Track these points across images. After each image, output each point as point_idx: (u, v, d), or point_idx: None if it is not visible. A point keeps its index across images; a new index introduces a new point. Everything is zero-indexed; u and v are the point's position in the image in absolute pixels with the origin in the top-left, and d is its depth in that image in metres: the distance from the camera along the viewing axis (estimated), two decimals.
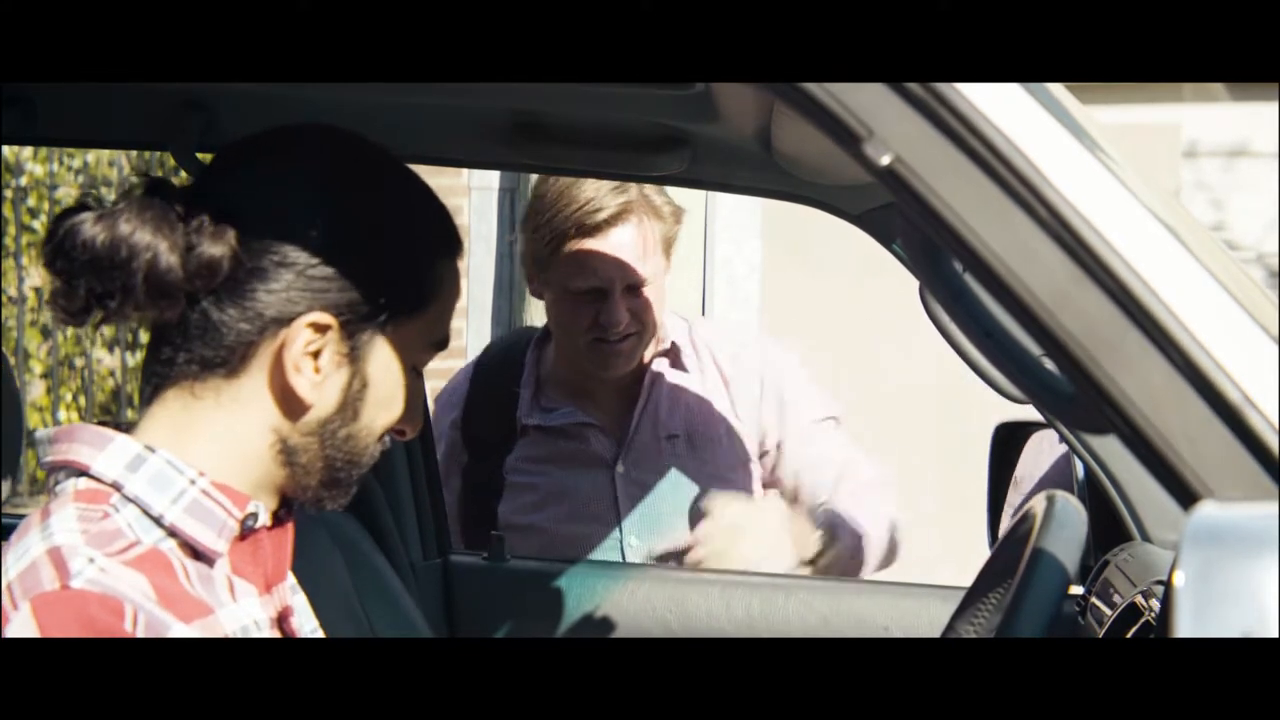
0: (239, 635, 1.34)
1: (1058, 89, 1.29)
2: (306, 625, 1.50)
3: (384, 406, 1.41)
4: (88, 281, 1.32)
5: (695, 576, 2.57)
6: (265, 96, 1.84)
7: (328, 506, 1.42)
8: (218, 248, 1.32)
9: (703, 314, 5.50)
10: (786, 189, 2.32)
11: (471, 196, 5.58)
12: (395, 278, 1.38)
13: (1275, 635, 1.07)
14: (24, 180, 7.35)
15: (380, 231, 1.38)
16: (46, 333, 7.30)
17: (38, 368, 7.35)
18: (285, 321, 1.34)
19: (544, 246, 2.54)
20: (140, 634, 1.24)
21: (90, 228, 1.31)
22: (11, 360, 6.72)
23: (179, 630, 1.26)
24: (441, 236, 1.44)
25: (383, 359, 1.39)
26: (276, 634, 1.42)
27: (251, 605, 1.38)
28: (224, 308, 1.34)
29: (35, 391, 7.25)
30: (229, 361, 1.35)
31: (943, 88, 1.16)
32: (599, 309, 2.57)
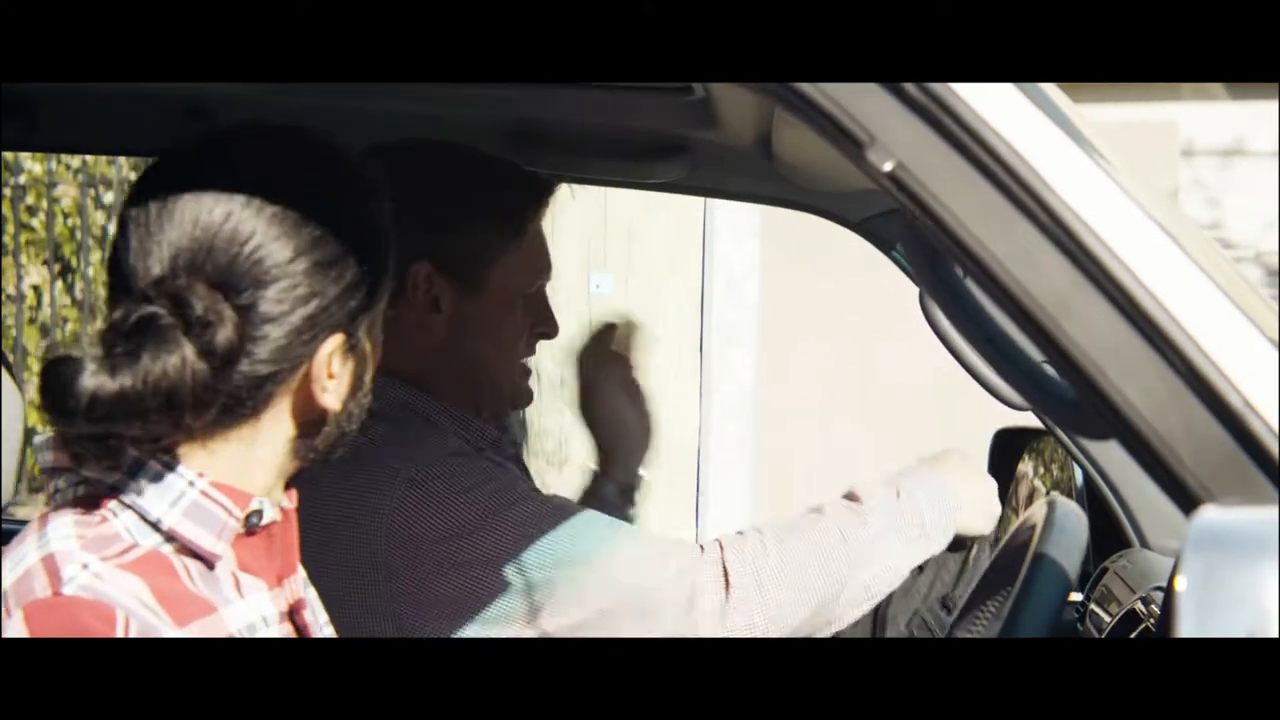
0: (245, 632, 1.34)
1: (1056, 93, 1.29)
2: (320, 616, 1.50)
3: (375, 362, 1.44)
4: (133, 431, 1.28)
5: None
6: (266, 104, 1.84)
7: (331, 457, 1.44)
8: (224, 331, 1.30)
9: (701, 313, 5.51)
10: (786, 196, 2.32)
11: None
12: (371, 270, 1.39)
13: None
14: (22, 178, 7.35)
15: (346, 240, 1.37)
16: (45, 330, 7.30)
17: (36, 366, 7.35)
18: (303, 362, 1.35)
19: (497, 234, 2.03)
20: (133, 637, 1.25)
21: (114, 382, 1.27)
22: (10, 359, 6.72)
23: (170, 634, 1.26)
24: (382, 203, 1.43)
25: (372, 333, 1.42)
26: (288, 627, 1.42)
27: (260, 600, 1.38)
28: (236, 376, 1.32)
29: (33, 390, 7.26)
30: (246, 413, 1.35)
31: (944, 94, 1.16)
32: (538, 312, 2.10)
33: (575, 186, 2.21)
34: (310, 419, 1.38)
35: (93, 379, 1.27)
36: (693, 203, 5.33)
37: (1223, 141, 6.41)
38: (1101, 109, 5.09)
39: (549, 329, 2.10)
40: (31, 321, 7.39)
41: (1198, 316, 1.15)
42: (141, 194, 1.35)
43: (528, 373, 2.12)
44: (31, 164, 7.32)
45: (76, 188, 7.34)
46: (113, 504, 1.32)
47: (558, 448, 5.18)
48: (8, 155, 6.91)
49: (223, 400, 1.32)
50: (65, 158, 7.31)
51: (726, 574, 1.91)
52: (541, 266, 2.08)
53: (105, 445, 1.29)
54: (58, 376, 1.28)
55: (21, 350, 7.12)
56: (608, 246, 5.26)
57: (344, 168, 1.42)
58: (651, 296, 5.33)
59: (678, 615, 1.90)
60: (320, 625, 1.49)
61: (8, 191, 7.22)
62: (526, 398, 2.12)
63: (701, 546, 1.94)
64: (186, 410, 1.29)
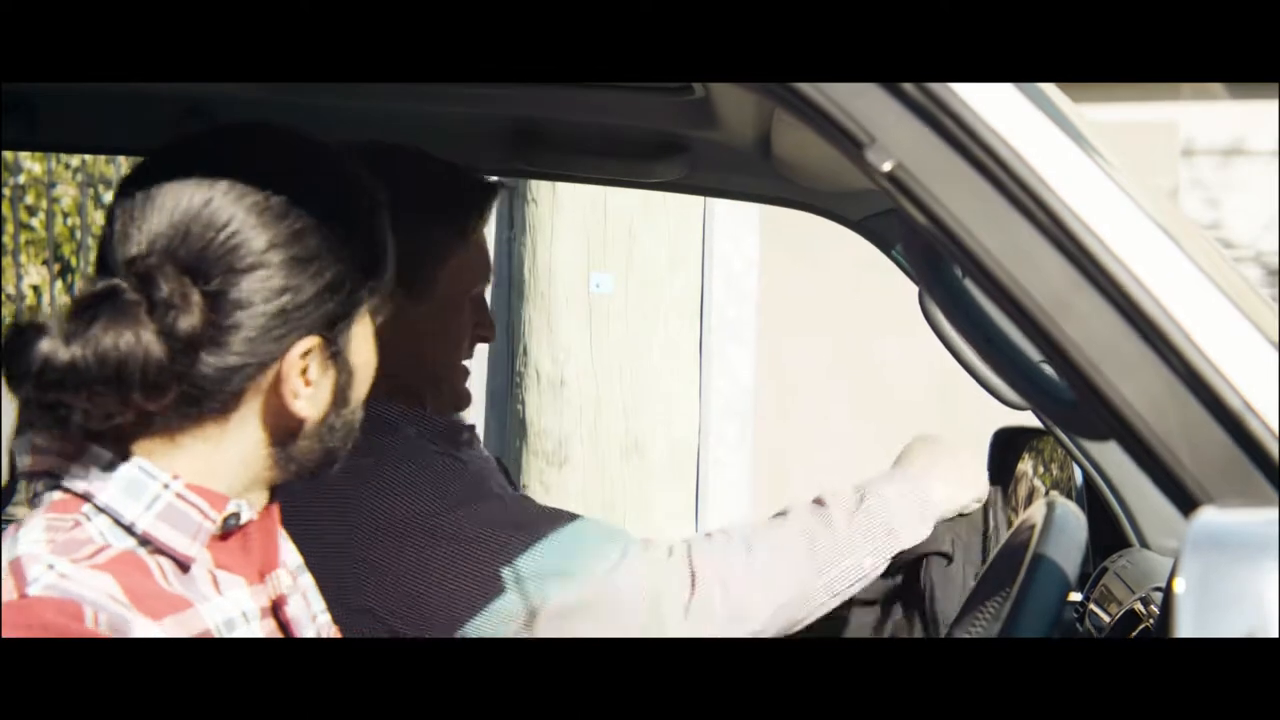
0: (223, 627, 1.33)
1: (1055, 92, 1.29)
2: (314, 606, 1.48)
3: (365, 380, 1.42)
4: (80, 402, 1.28)
5: None
6: (266, 104, 1.84)
7: (322, 473, 1.43)
8: (190, 318, 1.30)
9: (701, 311, 5.50)
10: (786, 195, 2.32)
11: None
12: (356, 272, 1.38)
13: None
14: (22, 178, 7.35)
15: (330, 236, 1.36)
16: None
17: None
18: (273, 360, 1.34)
19: (445, 238, 2.05)
20: (104, 634, 1.23)
21: (67, 351, 1.27)
22: None
23: (142, 627, 1.25)
24: (380, 215, 1.42)
25: (360, 341, 1.40)
26: (270, 623, 1.41)
27: (240, 596, 1.37)
28: (203, 366, 1.32)
29: None
30: (215, 409, 1.34)
31: (944, 94, 1.16)
32: (479, 315, 2.14)
33: (574, 186, 2.22)
34: (284, 425, 1.37)
35: (48, 344, 1.27)
36: (693, 202, 5.32)
37: (1223, 141, 6.40)
38: (1101, 108, 5.09)
39: (488, 332, 2.13)
40: None
41: (1197, 316, 1.15)
42: (130, 186, 1.35)
43: (467, 374, 2.13)
44: (31, 164, 7.32)
45: (76, 187, 7.33)
46: (86, 508, 1.31)
47: (558, 447, 5.17)
48: (8, 155, 6.91)
49: (186, 389, 1.31)
50: (64, 157, 7.31)
51: (693, 573, 1.93)
52: (483, 270, 2.10)
53: (54, 414, 1.29)
54: (19, 340, 1.28)
55: None
56: (608, 246, 5.26)
57: (336, 170, 1.41)
58: (651, 295, 5.33)
59: (643, 612, 1.92)
60: (312, 616, 1.47)
61: (7, 191, 7.21)
62: (466, 399, 2.14)
63: (670, 547, 1.95)
64: (136, 389, 1.28)
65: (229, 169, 1.34)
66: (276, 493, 1.45)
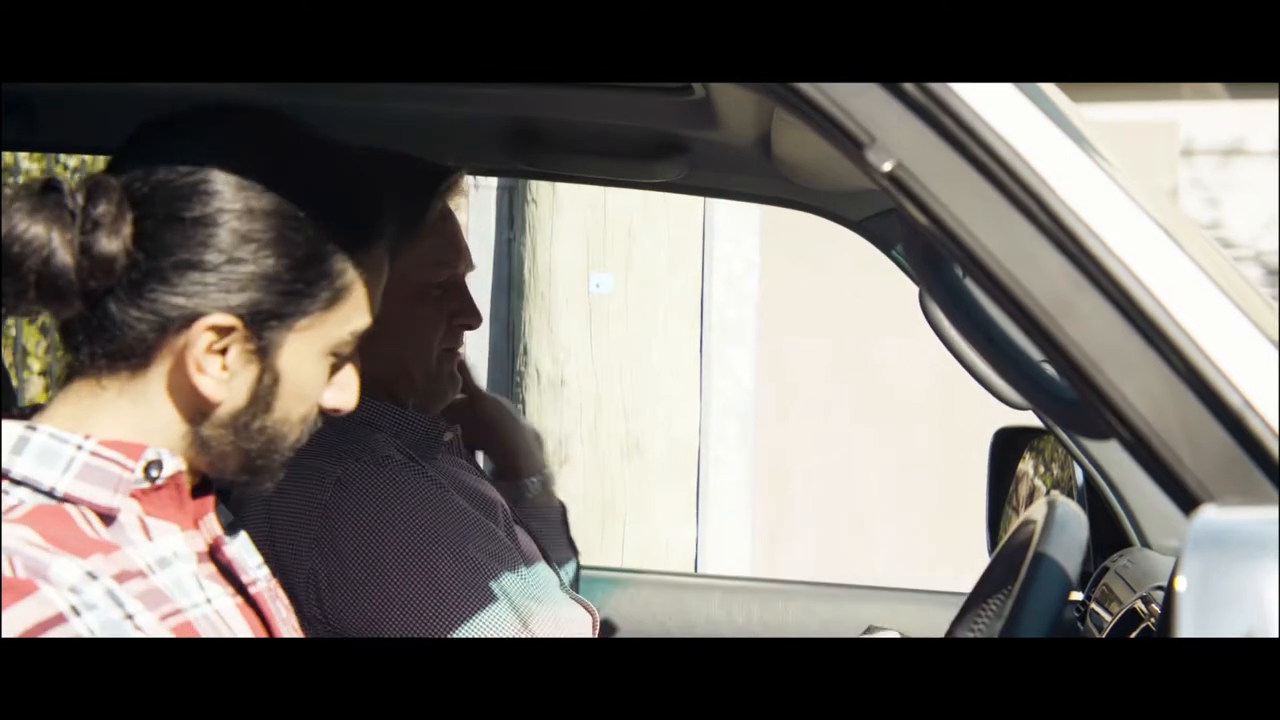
0: (156, 565, 1.33)
1: (1055, 92, 1.29)
2: (252, 561, 1.47)
3: (299, 398, 1.39)
4: None
5: (695, 582, 2.57)
6: (266, 103, 1.83)
7: (254, 488, 1.42)
8: (113, 243, 1.30)
9: (701, 312, 5.50)
10: (786, 196, 2.32)
11: (470, 194, 5.58)
12: (301, 275, 1.36)
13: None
14: (21, 178, 7.35)
15: (284, 227, 1.35)
16: (45, 330, 7.30)
17: (35, 365, 7.36)
18: (187, 323, 1.33)
19: (396, 227, 1.97)
20: (21, 575, 1.23)
21: None
22: (9, 358, 6.71)
23: (63, 566, 1.24)
24: (356, 226, 1.40)
25: (296, 353, 1.37)
26: (210, 566, 1.40)
27: (172, 541, 1.36)
28: (124, 307, 1.32)
29: (33, 389, 7.25)
30: (132, 357, 1.34)
31: (944, 94, 1.16)
32: (457, 303, 2.10)
33: (574, 186, 2.22)
34: (195, 402, 1.35)
35: None
36: (693, 202, 5.32)
37: (1222, 141, 6.40)
38: (1101, 108, 5.09)
39: (470, 319, 2.10)
40: (31, 321, 7.39)
41: (1197, 316, 1.15)
42: (145, 127, 1.40)
43: (453, 358, 2.11)
44: (30, 164, 7.31)
45: (75, 187, 7.32)
46: (4, 484, 1.31)
47: (558, 447, 5.18)
48: (7, 155, 6.91)
49: (96, 321, 1.32)
50: (64, 157, 7.30)
51: None
52: (449, 258, 2.07)
53: None
54: None
55: (21, 350, 7.12)
56: (607, 246, 5.26)
57: (339, 192, 1.40)
58: (651, 296, 5.33)
59: None
60: (252, 568, 1.46)
61: (7, 191, 7.21)
62: (454, 386, 2.12)
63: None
64: (31, 285, 1.29)
65: (242, 137, 1.36)
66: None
